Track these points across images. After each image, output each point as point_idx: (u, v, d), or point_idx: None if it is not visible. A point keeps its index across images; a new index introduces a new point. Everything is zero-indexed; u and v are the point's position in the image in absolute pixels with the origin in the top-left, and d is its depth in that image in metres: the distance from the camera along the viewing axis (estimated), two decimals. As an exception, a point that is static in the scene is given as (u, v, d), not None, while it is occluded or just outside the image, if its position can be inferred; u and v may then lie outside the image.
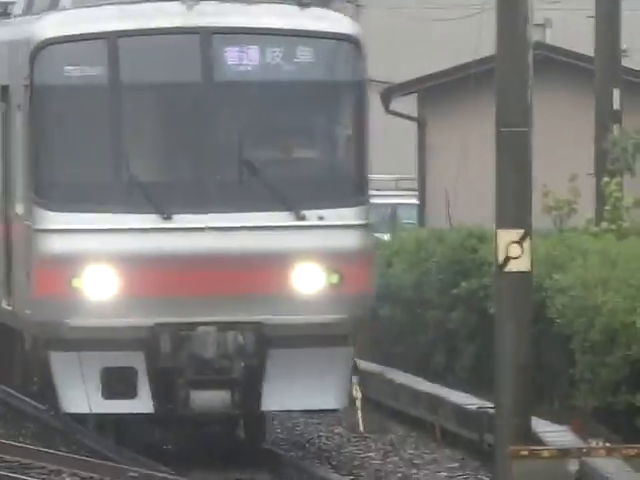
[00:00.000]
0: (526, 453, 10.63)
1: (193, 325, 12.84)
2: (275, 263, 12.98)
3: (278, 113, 13.64)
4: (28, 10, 16.85)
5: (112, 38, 13.01)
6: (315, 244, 13.15)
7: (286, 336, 12.93)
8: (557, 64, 28.59)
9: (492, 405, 12.69)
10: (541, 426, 12.53)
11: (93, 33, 13.11)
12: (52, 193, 13.10)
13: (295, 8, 13.66)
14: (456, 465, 14.39)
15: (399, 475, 13.60)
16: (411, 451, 15.34)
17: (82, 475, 12.28)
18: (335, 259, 13.13)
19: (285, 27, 13.42)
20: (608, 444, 11.24)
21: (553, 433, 12.24)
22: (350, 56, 13.60)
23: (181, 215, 12.89)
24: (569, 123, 27.68)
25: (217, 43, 13.07)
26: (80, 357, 12.78)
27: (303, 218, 13.11)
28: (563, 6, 42.17)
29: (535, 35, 18.31)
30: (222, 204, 12.97)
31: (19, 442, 14.31)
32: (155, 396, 12.87)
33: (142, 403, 12.83)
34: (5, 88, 15.16)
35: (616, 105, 20.99)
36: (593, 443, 11.50)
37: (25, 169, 13.57)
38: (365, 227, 13.62)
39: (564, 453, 10.91)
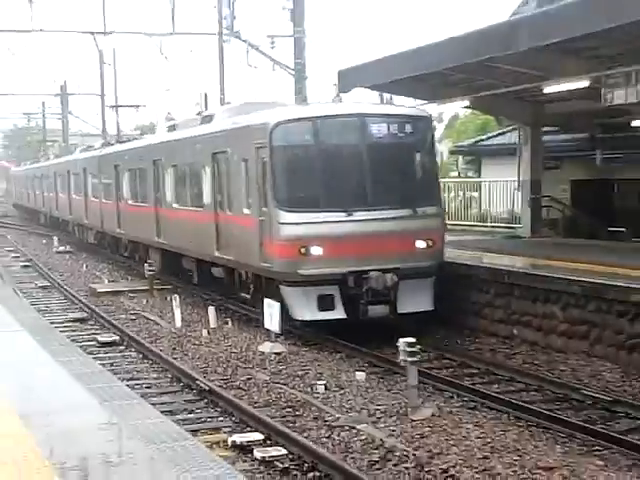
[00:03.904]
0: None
1: (367, 271, 18.64)
2: (403, 236, 18.99)
3: (398, 157, 19.96)
4: (171, 128, 29.64)
5: (314, 120, 19.18)
6: (421, 226, 19.33)
7: (408, 274, 18.88)
8: None
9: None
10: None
11: (303, 117, 19.42)
12: (286, 202, 18.84)
13: (398, 106, 21.90)
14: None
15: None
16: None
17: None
18: (429, 233, 19.47)
19: (397, 113, 20.28)
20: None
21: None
22: (429, 127, 20.65)
23: (357, 212, 18.73)
24: None
25: (367, 122, 19.39)
26: (305, 290, 18.71)
27: (416, 212, 19.27)
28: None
29: None
30: (377, 206, 18.92)
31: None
32: (345, 309, 18.65)
33: (339, 313, 18.71)
34: (220, 152, 22.41)
35: None
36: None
37: (261, 191, 19.58)
38: (441, 216, 21.07)
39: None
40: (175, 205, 26.94)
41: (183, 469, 7.52)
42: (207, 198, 23.51)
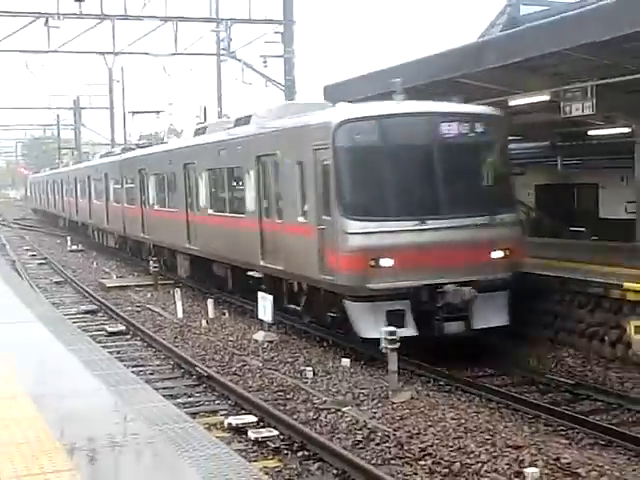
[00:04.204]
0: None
1: (442, 284, 15.50)
2: (480, 246, 15.80)
3: (473, 159, 16.68)
4: (199, 131, 26.24)
5: (382, 119, 15.98)
6: (498, 234, 16.03)
7: (485, 286, 15.69)
8: None
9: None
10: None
11: (370, 116, 16.10)
12: (353, 210, 15.62)
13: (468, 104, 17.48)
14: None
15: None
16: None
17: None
18: (507, 242, 16.17)
19: (471, 111, 16.82)
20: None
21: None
22: (503, 126, 17.22)
23: (430, 220, 15.53)
24: None
25: (439, 121, 16.11)
26: (373, 305, 15.42)
27: (493, 219, 16.01)
28: None
29: None
30: (451, 213, 15.71)
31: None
32: (417, 326, 15.40)
33: (409, 330, 15.25)
34: (266, 155, 19.09)
35: None
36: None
37: (321, 198, 16.30)
38: (519, 223, 17.54)
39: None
40: (210, 211, 23.62)
41: (183, 449, 7.38)
42: (250, 204, 20.24)
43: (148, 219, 30.89)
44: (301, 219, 17.34)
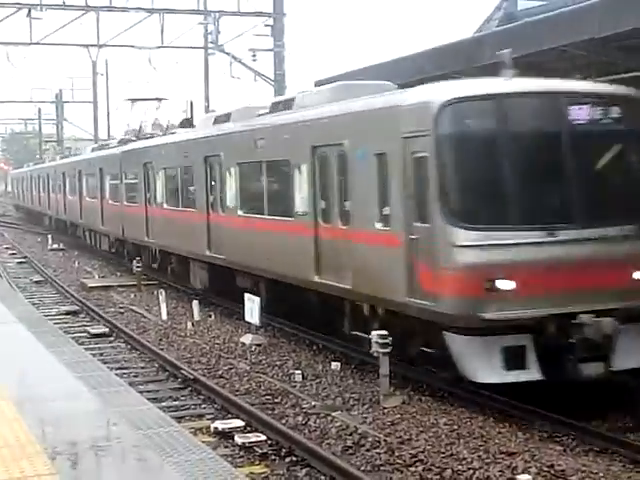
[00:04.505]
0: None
1: (576, 314, 12.55)
2: (620, 264, 12.92)
3: (608, 152, 13.69)
4: (221, 119, 23.01)
5: (498, 98, 13.10)
6: None
7: (626, 316, 12.81)
8: None
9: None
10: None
11: (483, 95, 13.22)
12: (463, 216, 12.68)
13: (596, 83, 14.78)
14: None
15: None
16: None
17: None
18: None
19: (608, 92, 13.92)
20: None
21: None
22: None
23: (562, 231, 12.76)
24: None
25: (572, 104, 13.33)
26: (485, 341, 12.51)
27: (639, 231, 13.16)
28: None
29: None
30: (587, 222, 12.90)
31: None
32: (542, 367, 12.58)
33: (532, 373, 12.56)
34: (327, 145, 16.08)
35: None
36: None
37: (413, 199, 13.35)
38: None
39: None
40: (240, 212, 20.56)
41: (168, 454, 7.44)
42: (301, 205, 17.28)
43: (154, 220, 27.66)
44: (379, 225, 14.51)
